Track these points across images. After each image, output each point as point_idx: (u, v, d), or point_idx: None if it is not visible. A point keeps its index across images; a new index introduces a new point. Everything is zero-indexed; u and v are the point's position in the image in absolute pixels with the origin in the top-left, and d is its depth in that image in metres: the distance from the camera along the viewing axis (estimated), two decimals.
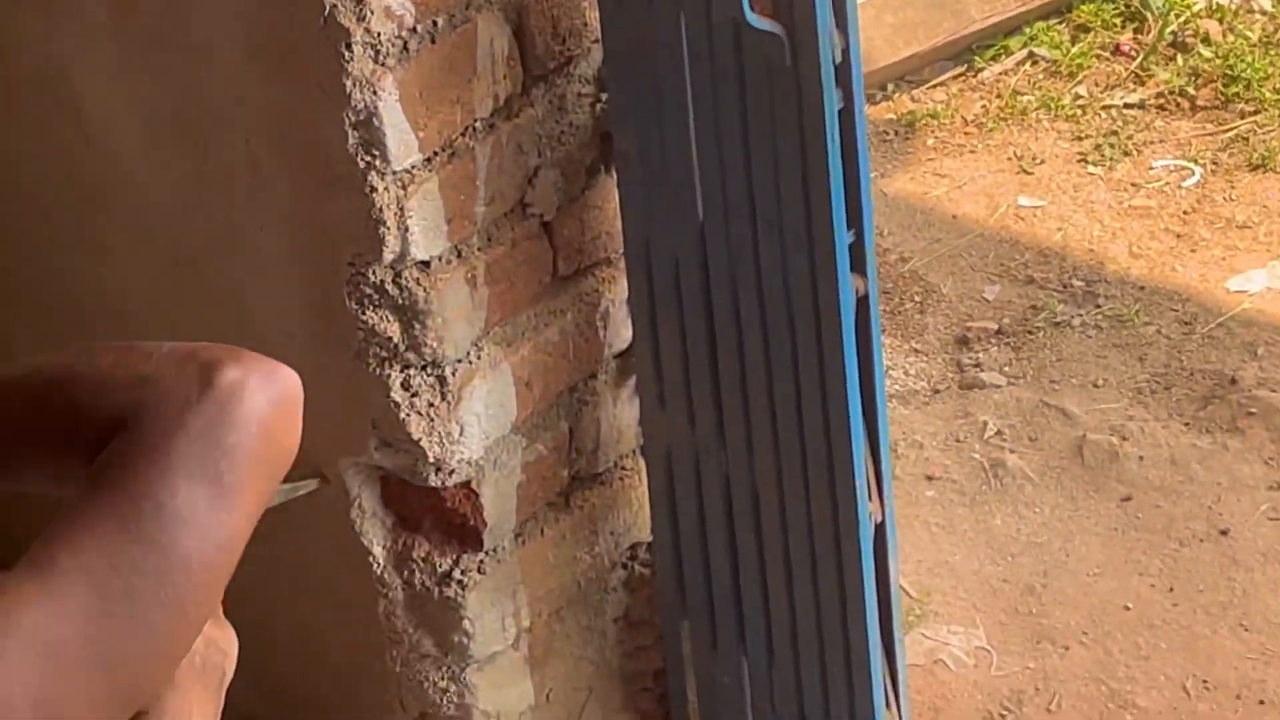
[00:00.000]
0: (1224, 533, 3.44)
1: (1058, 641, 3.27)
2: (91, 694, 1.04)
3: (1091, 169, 4.59)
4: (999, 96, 4.98)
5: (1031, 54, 5.04)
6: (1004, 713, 3.15)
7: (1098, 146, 4.67)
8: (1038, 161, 4.66)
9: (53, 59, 2.45)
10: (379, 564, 2.50)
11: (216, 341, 1.19)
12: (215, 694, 1.40)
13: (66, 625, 1.03)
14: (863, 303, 2.25)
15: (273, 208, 2.28)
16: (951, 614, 3.36)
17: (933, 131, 4.90)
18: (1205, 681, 3.16)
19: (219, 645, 1.45)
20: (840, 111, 2.11)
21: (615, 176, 2.38)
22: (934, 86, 5.09)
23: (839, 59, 2.08)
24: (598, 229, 2.42)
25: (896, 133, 4.95)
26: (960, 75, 5.09)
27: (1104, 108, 4.83)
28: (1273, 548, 3.42)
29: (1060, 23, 5.09)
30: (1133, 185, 4.50)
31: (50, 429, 1.16)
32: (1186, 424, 3.70)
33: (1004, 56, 5.05)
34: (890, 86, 5.15)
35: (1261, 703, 3.12)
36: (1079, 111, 4.82)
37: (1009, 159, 4.70)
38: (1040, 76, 5.01)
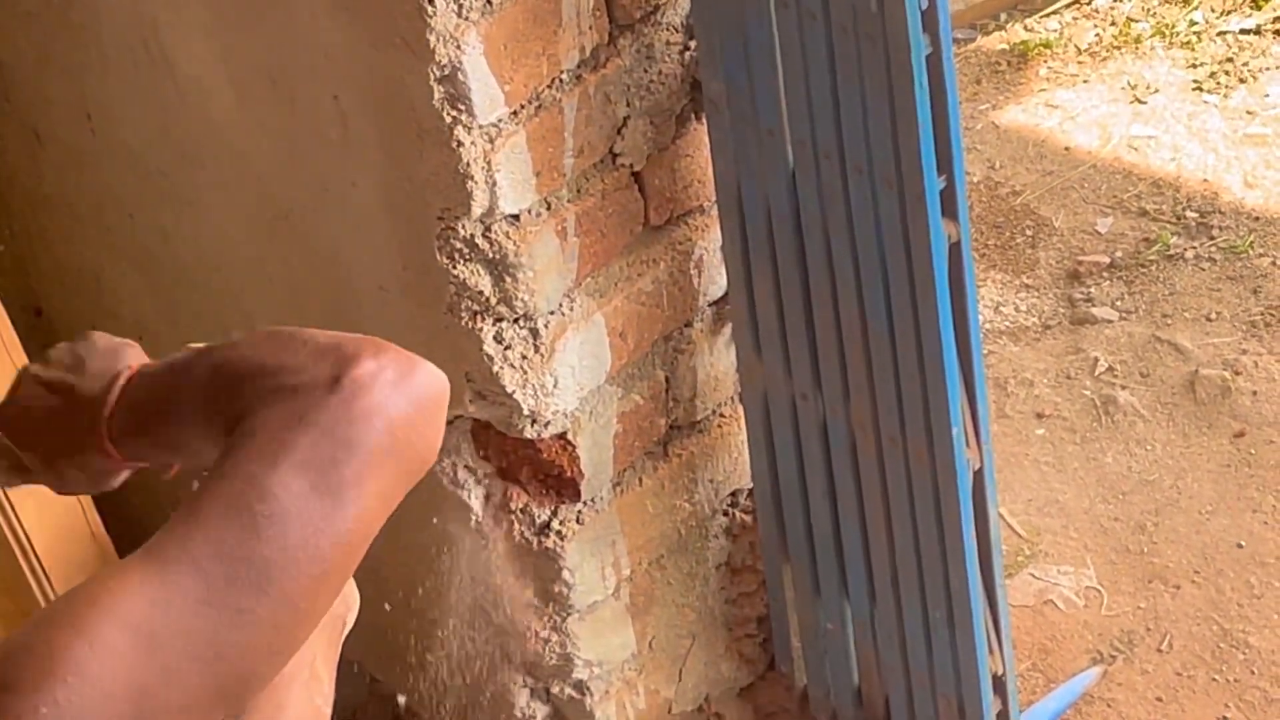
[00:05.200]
0: None
1: (1169, 581, 3.24)
2: (190, 685, 1.04)
3: (1206, 97, 4.52)
4: (1113, 24, 4.91)
5: None
6: (1114, 653, 3.12)
7: (1212, 74, 4.59)
8: (1151, 90, 4.59)
9: (144, 16, 2.46)
10: (477, 516, 2.51)
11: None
12: (335, 640, 1.42)
13: (167, 613, 1.03)
14: (955, 249, 2.22)
15: (363, 163, 2.28)
16: (1061, 554, 3.34)
17: (1045, 61, 4.84)
18: None
19: (343, 597, 1.47)
20: (928, 57, 2.08)
21: (705, 124, 2.37)
22: (1047, 15, 5.03)
23: (925, 4, 2.05)
24: (689, 177, 2.41)
25: (1009, 63, 4.89)
26: (1073, 3, 5.03)
27: (1219, 34, 4.74)
28: None
29: None
30: (1248, 113, 4.42)
31: (210, 411, 1.16)
32: None
33: None
34: (1003, 15, 5.09)
35: None
36: (1194, 38, 4.75)
37: (1122, 88, 4.64)
38: (1154, 3, 4.94)
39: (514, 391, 2.32)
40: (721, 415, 2.64)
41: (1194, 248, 4.00)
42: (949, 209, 2.19)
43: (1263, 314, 3.78)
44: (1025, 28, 5.01)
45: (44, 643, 1.00)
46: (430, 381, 1.15)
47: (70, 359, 1.36)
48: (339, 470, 1.09)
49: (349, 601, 1.50)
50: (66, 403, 1.33)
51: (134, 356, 1.34)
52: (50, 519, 2.60)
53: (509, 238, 2.21)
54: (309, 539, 1.07)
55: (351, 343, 1.14)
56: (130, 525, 2.66)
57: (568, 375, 2.36)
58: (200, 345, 1.26)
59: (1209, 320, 3.79)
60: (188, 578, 1.04)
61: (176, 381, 1.23)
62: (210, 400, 1.18)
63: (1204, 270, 3.94)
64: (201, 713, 1.05)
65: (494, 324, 2.28)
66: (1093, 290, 3.94)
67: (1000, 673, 2.62)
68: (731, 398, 2.64)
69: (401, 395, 1.12)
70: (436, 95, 2.08)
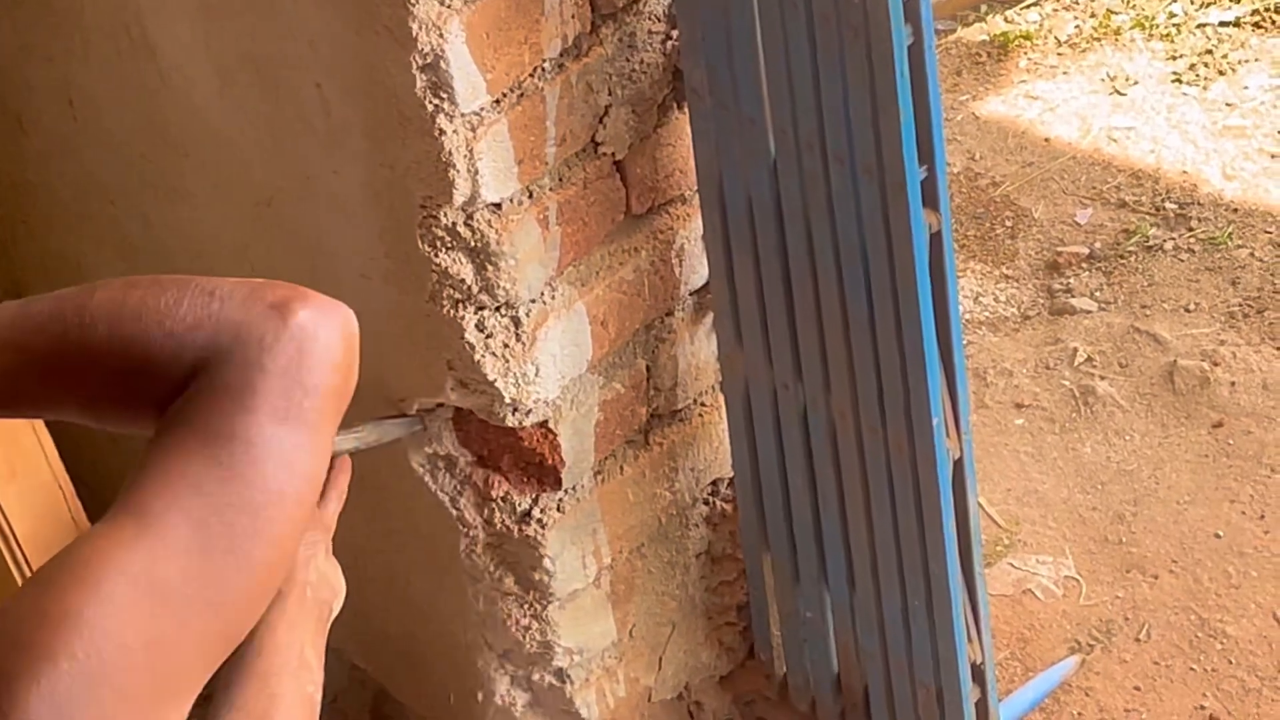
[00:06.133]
0: None
1: (1147, 570, 3.26)
2: (200, 630, 1.07)
3: (1185, 89, 4.53)
4: (1093, 16, 4.92)
5: None
6: (1092, 642, 3.14)
7: (1192, 66, 4.61)
8: (1131, 82, 4.61)
9: (127, 2, 2.46)
10: (458, 504, 2.51)
11: (296, 283, 1.22)
12: (323, 626, 1.44)
13: (170, 564, 1.06)
14: (936, 239, 2.23)
15: (345, 151, 2.28)
16: (1040, 543, 3.35)
17: (1025, 52, 4.86)
18: None
19: (330, 582, 1.50)
20: (910, 47, 2.09)
21: (687, 113, 2.37)
22: (1027, 6, 5.04)
23: None
24: (670, 166, 2.41)
25: (989, 54, 4.91)
26: None
27: (1198, 26, 4.76)
28: None
29: None
30: (1227, 105, 4.44)
31: (125, 371, 1.18)
32: (1279, 348, 3.66)
33: None
34: (984, 7, 5.10)
35: None
36: (1173, 30, 4.76)
37: (1102, 80, 4.65)
38: None
39: (495, 380, 2.33)
40: (702, 404, 2.65)
41: (1173, 239, 4.02)
42: (930, 199, 2.20)
43: (1241, 305, 3.79)
44: (1005, 19, 5.03)
45: (55, 601, 1.02)
46: (352, 320, 1.21)
47: None
48: (305, 412, 1.14)
49: (336, 588, 1.51)
50: None
51: None
52: (31, 505, 2.60)
53: (491, 226, 2.21)
54: (289, 480, 1.12)
55: (269, 289, 1.19)
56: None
57: (549, 363, 2.36)
58: (49, 296, 1.25)
59: (1188, 311, 3.81)
60: (183, 528, 1.07)
61: (65, 335, 1.22)
62: (132, 362, 1.18)
63: (1183, 261, 3.95)
64: (211, 655, 1.09)
65: (475, 312, 2.29)
66: (1072, 281, 3.96)
67: (979, 661, 2.63)
68: (712, 387, 2.65)
69: (337, 337, 1.19)
70: (419, 83, 2.09)
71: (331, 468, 1.64)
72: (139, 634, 1.03)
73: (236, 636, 1.12)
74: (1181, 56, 4.66)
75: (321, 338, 1.17)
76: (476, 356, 2.30)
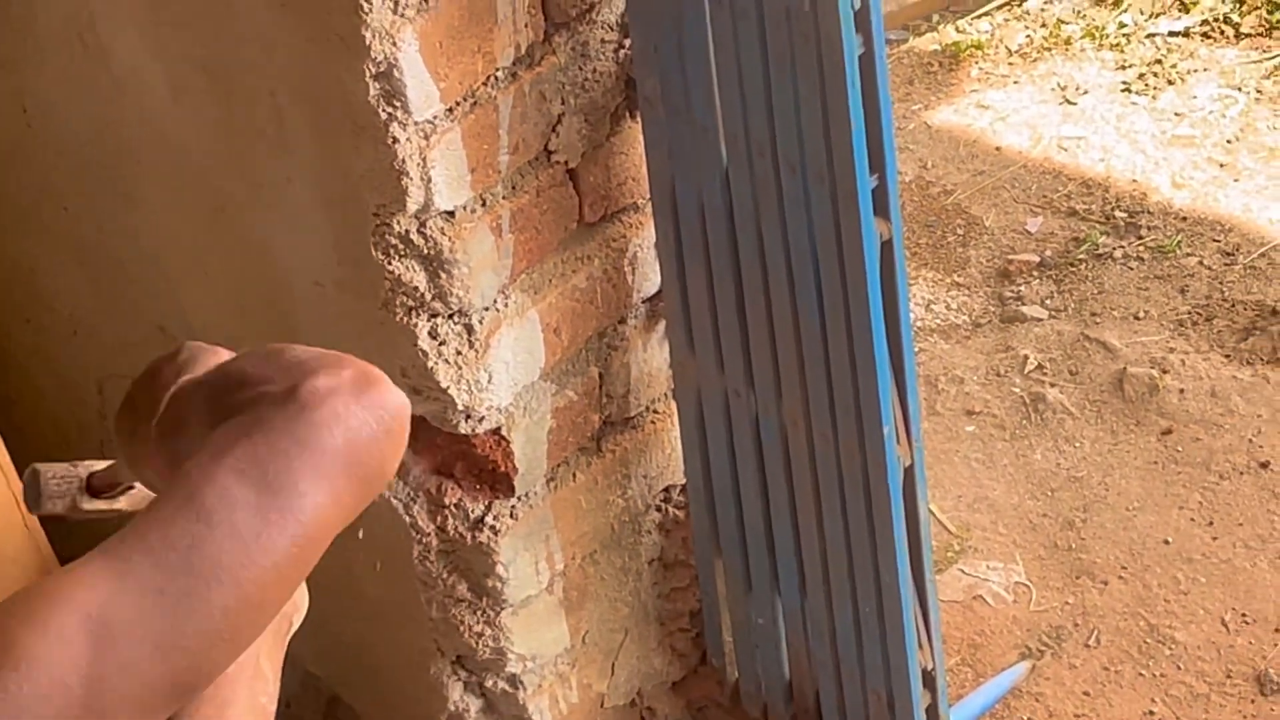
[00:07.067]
0: (1264, 465, 3.44)
1: (1097, 576, 3.28)
2: (144, 673, 1.05)
3: (1135, 98, 4.56)
4: (1043, 26, 4.95)
5: None
6: (1042, 648, 3.16)
7: (1141, 75, 4.64)
8: (1081, 91, 4.64)
9: (81, 9, 2.46)
10: (411, 510, 2.52)
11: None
12: (282, 639, 1.43)
13: (122, 602, 1.04)
14: (887, 247, 2.24)
15: (299, 159, 2.28)
16: (991, 549, 3.37)
17: (977, 62, 4.89)
18: (1244, 615, 3.16)
19: (291, 597, 1.48)
20: (861, 56, 2.10)
21: (640, 122, 2.38)
22: (979, 16, 5.07)
23: (858, 4, 2.07)
24: (623, 175, 2.42)
25: (941, 64, 4.93)
26: (1005, 4, 5.08)
27: (1148, 36, 4.80)
28: None
29: None
30: (1176, 114, 4.47)
31: (202, 422, 1.19)
32: (1227, 356, 3.69)
33: None
34: (935, 17, 5.13)
35: None
36: (1123, 40, 4.80)
37: (1053, 89, 4.68)
38: (1084, 5, 4.99)
39: (448, 387, 2.33)
40: (655, 411, 2.66)
41: (1122, 247, 4.04)
42: (881, 207, 2.21)
43: (1190, 313, 3.82)
44: (957, 29, 5.05)
45: (1, 631, 1.01)
46: (390, 398, 1.17)
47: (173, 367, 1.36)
48: (290, 466, 1.11)
49: (297, 602, 1.51)
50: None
51: (207, 365, 1.32)
52: None
53: (444, 234, 2.22)
54: (260, 530, 1.09)
55: (317, 357, 1.17)
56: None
57: (502, 371, 2.37)
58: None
59: (1137, 319, 3.83)
60: (143, 567, 1.06)
61: (192, 393, 1.23)
62: (203, 412, 1.19)
63: (1132, 269, 3.98)
64: (154, 702, 1.07)
65: (429, 320, 2.29)
66: (1023, 289, 3.98)
67: (930, 667, 2.64)
68: (665, 394, 2.66)
69: (360, 407, 1.14)
70: (372, 92, 2.09)
71: None
72: (77, 672, 1.01)
73: (189, 686, 1.09)
74: (1131, 66, 4.69)
75: (333, 404, 1.13)
76: (429, 364, 2.31)
